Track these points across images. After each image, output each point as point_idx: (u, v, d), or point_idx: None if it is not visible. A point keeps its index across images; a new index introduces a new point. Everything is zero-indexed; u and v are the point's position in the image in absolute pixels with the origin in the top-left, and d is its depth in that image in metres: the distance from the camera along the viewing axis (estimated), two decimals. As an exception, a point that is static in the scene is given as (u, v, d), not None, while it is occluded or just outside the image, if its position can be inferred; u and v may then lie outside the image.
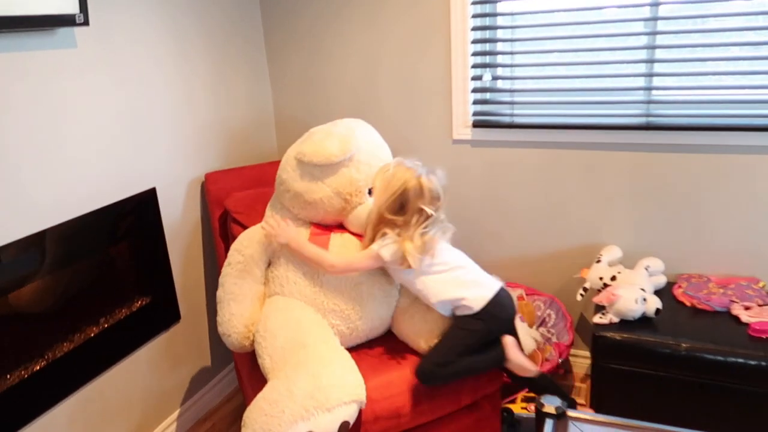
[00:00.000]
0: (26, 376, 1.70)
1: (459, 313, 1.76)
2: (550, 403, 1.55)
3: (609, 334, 1.98)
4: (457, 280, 1.76)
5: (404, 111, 2.50)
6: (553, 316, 2.40)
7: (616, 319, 2.02)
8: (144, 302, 2.10)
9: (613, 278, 2.15)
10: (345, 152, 1.78)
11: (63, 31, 1.72)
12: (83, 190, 1.83)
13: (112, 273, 2.01)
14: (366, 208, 1.84)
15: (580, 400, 2.32)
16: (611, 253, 2.27)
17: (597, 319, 2.04)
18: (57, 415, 1.80)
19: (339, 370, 1.59)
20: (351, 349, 1.78)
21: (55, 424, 1.80)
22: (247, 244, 1.87)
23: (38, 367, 1.73)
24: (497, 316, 1.75)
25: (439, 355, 1.71)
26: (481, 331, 1.73)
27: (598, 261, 2.24)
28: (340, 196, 1.83)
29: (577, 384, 2.46)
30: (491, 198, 2.47)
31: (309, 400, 1.49)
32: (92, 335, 1.90)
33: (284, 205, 1.94)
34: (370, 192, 1.87)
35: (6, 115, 1.58)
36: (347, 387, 1.56)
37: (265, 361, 1.66)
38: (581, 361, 2.51)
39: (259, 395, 1.55)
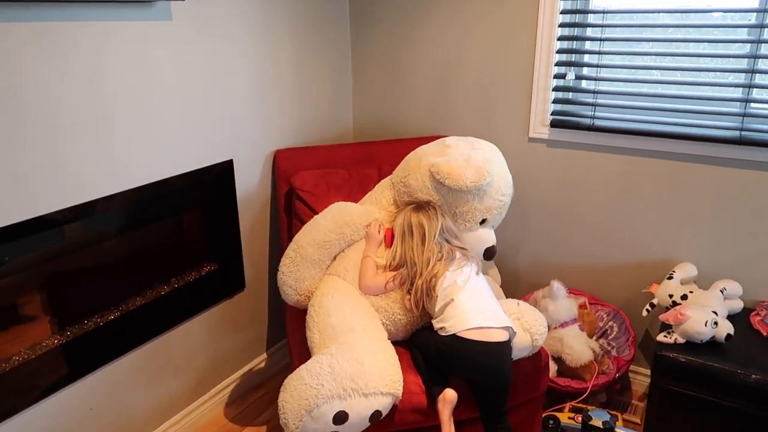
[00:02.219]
0: (101, 323, 1.84)
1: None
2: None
3: (672, 355, 1.89)
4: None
5: (482, 105, 2.47)
6: (616, 328, 2.32)
7: (681, 340, 1.92)
8: (212, 268, 2.21)
9: (684, 297, 2.05)
10: (478, 184, 1.84)
11: (160, 4, 1.81)
12: (168, 156, 1.93)
13: (186, 237, 2.12)
14: (474, 235, 1.93)
15: (635, 419, 2.24)
16: (685, 270, 2.16)
17: (661, 337, 1.96)
18: (125, 362, 1.94)
19: (382, 361, 1.62)
20: (395, 344, 1.80)
21: (123, 370, 1.94)
22: (357, 220, 1.96)
23: (112, 317, 1.87)
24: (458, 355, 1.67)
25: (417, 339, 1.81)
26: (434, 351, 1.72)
27: (670, 277, 2.14)
28: (454, 217, 1.91)
29: (635, 402, 2.37)
30: (563, 200, 2.41)
31: (348, 381, 1.53)
32: (162, 293, 2.02)
33: (395, 200, 2.02)
34: (483, 222, 1.94)
35: (103, 80, 1.70)
36: (387, 378, 1.59)
37: (314, 335, 1.71)
38: (641, 379, 2.41)
39: (303, 365, 1.60)
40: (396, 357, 1.68)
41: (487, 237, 1.98)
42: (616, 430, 1.52)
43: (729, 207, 2.10)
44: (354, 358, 1.57)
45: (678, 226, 2.21)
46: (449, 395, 1.66)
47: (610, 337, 2.31)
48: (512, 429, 1.70)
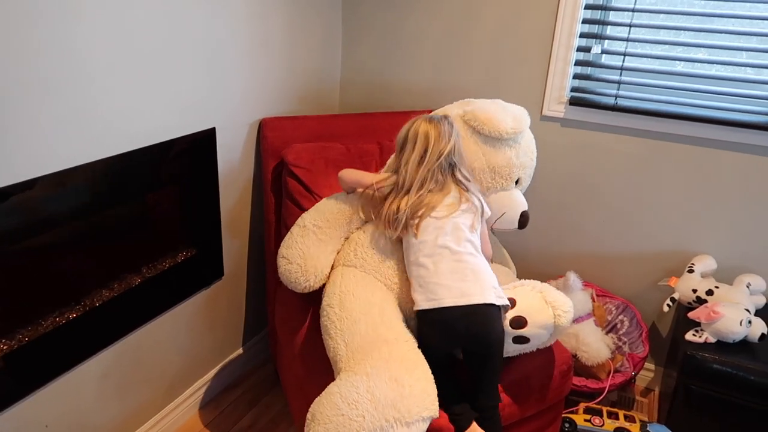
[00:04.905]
0: (61, 323, 1.51)
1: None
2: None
3: (705, 355, 1.76)
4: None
5: (490, 77, 2.24)
6: (626, 323, 2.19)
7: (712, 339, 1.80)
8: (190, 254, 1.90)
9: (710, 293, 1.92)
10: (517, 130, 1.68)
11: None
12: (141, 123, 1.60)
13: (160, 218, 1.80)
14: (509, 195, 1.73)
15: (642, 417, 2.12)
16: (705, 263, 2.04)
17: (690, 336, 1.83)
18: (88, 369, 1.62)
19: (422, 379, 1.36)
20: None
21: (85, 378, 1.62)
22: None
23: (74, 315, 1.54)
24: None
25: None
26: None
27: (691, 270, 2.01)
28: (491, 173, 1.69)
29: (638, 398, 2.27)
30: (576, 185, 2.23)
31: (391, 410, 1.28)
32: (133, 285, 1.70)
33: None
34: (517, 181, 1.75)
35: (71, 34, 1.34)
36: (427, 400, 1.35)
37: (339, 346, 1.44)
38: (645, 374, 2.31)
39: (334, 388, 1.33)
40: (429, 369, 1.44)
41: (522, 199, 1.77)
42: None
43: (754, 197, 1.98)
44: (393, 378, 1.32)
45: (698, 215, 2.08)
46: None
47: (621, 332, 2.18)
48: (501, 426, 1.49)
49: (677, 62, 2.03)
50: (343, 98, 2.53)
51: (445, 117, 1.61)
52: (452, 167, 1.55)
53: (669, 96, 2.02)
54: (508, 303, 1.46)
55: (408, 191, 1.51)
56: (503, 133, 1.66)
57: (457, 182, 1.55)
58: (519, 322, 1.46)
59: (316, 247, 1.62)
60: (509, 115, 1.70)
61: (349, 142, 2.10)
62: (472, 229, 1.51)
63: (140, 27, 1.52)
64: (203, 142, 1.84)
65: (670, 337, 2.23)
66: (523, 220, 1.74)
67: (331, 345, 1.45)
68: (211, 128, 1.85)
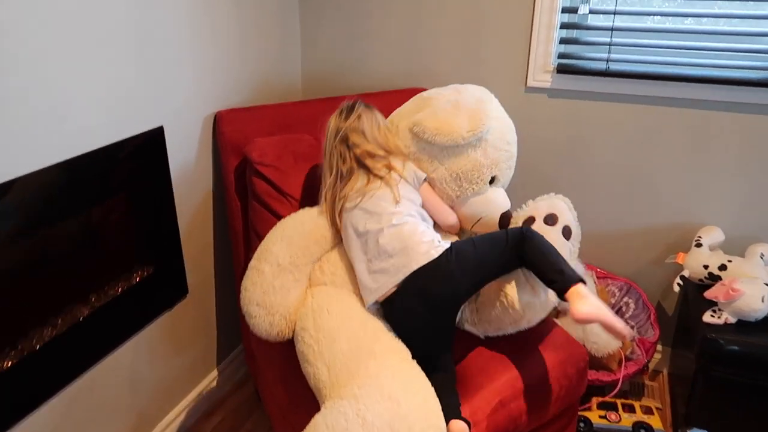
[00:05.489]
0: (-8, 376, 1.26)
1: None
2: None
3: (728, 338, 1.61)
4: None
5: (466, 48, 2.03)
6: (632, 305, 2.04)
7: (732, 320, 1.66)
8: (146, 273, 1.65)
9: (723, 267, 1.78)
10: (475, 131, 1.48)
11: None
12: (78, 127, 1.34)
13: (108, 236, 1.54)
14: (483, 200, 1.54)
15: (656, 404, 1.98)
16: (712, 235, 1.89)
17: (708, 318, 1.68)
18: (34, 425, 1.37)
19: (420, 391, 1.20)
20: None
21: (31, 433, 1.37)
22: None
23: (9, 364, 1.29)
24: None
25: None
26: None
27: (698, 244, 1.86)
28: (457, 181, 1.50)
29: (648, 383, 2.13)
30: (567, 161, 2.05)
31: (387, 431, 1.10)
32: (80, 318, 1.45)
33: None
34: (492, 180, 1.55)
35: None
36: (429, 415, 1.17)
37: (320, 372, 1.24)
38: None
39: (318, 419, 1.14)
40: (427, 380, 1.25)
41: (501, 199, 1.60)
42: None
43: (761, 161, 1.84)
44: (386, 396, 1.13)
45: (701, 184, 1.93)
46: (455, 428, 1.22)
47: (627, 316, 2.03)
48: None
49: (673, 18, 1.86)
50: (306, 85, 2.29)
51: (356, 102, 1.54)
52: (351, 149, 1.47)
53: (666, 56, 1.85)
54: (446, 245, 1.35)
55: (326, 184, 1.47)
56: (459, 140, 1.47)
57: (360, 164, 1.47)
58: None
59: (296, 290, 1.40)
60: (463, 115, 1.49)
61: (318, 131, 1.88)
62: (395, 201, 1.41)
63: (63, 13, 1.26)
64: (151, 144, 1.59)
65: (677, 314, 2.10)
66: (504, 221, 1.56)
67: (312, 372, 1.25)
68: (158, 127, 1.60)
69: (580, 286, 1.24)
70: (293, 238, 1.43)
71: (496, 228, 1.56)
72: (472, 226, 1.59)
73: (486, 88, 1.66)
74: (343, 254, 1.47)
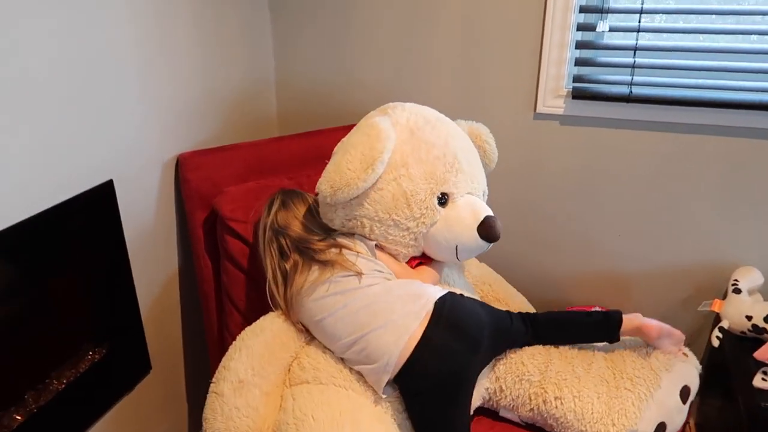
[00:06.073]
0: None
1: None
2: None
3: (783, 408, 1.40)
4: None
5: (465, 71, 1.79)
6: (659, 354, 1.81)
7: (787, 384, 1.44)
8: (99, 354, 1.38)
9: (769, 319, 1.56)
10: (374, 165, 1.20)
11: None
12: (3, 193, 1.07)
13: (50, 318, 1.27)
14: (443, 228, 1.28)
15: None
16: (750, 277, 1.68)
17: (759, 382, 1.46)
18: None
19: None
20: None
21: None
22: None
23: None
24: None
25: None
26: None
27: (737, 290, 1.65)
28: (398, 226, 1.27)
29: (677, 437, 1.90)
30: (582, 195, 1.82)
31: None
32: (14, 426, 1.17)
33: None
34: (441, 200, 1.27)
35: None
36: None
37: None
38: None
39: None
40: None
41: (465, 213, 1.29)
42: None
43: (804, 194, 1.63)
44: None
45: (736, 220, 1.71)
46: None
47: (654, 367, 1.80)
48: None
49: (705, 36, 1.63)
50: (281, 110, 2.02)
51: (275, 193, 1.38)
52: (286, 237, 1.29)
53: (698, 78, 1.62)
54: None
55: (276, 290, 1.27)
56: (360, 185, 1.20)
57: (303, 253, 1.27)
58: None
59: (267, 405, 1.16)
60: (354, 153, 1.22)
61: (295, 172, 1.63)
62: (348, 275, 1.23)
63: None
64: (98, 202, 1.32)
65: (705, 362, 1.88)
66: (486, 230, 1.27)
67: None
68: (106, 181, 1.32)
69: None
70: (253, 348, 1.20)
71: (482, 246, 1.30)
72: (458, 257, 1.34)
73: (483, 125, 1.46)
74: (321, 345, 1.25)
